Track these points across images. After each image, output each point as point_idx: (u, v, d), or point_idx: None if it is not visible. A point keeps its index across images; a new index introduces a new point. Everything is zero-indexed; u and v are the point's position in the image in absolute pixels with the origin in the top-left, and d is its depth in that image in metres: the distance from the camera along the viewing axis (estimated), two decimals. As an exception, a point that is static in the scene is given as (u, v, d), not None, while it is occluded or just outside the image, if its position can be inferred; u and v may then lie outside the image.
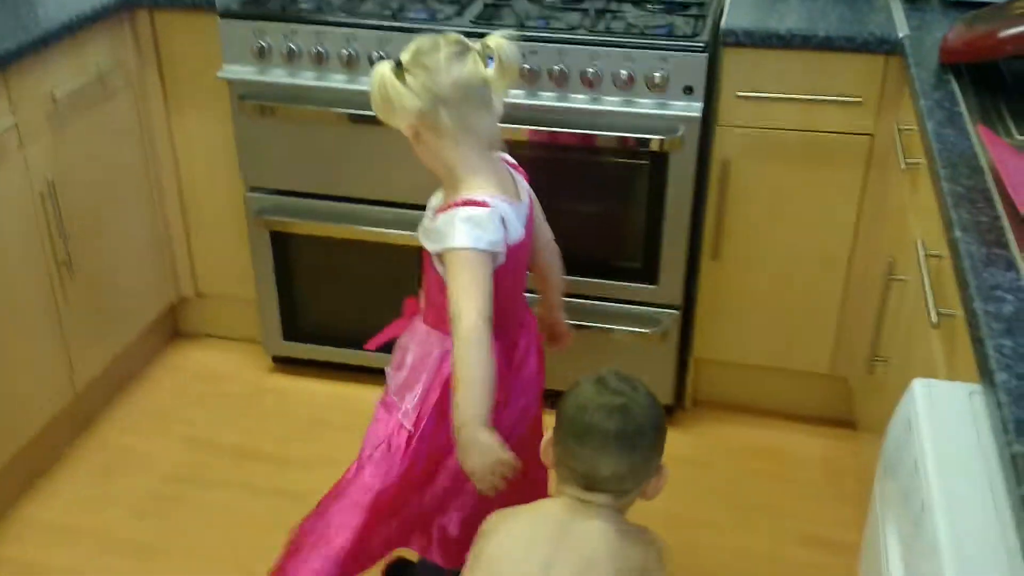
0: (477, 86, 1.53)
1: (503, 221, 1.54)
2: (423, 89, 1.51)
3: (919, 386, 1.17)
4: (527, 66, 2.14)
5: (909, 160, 1.87)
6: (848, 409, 2.42)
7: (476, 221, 1.52)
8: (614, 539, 1.37)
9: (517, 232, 1.58)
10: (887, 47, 2.05)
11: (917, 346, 1.66)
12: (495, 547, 1.41)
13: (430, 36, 1.55)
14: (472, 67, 1.52)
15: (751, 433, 2.46)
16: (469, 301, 1.50)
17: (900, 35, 2.05)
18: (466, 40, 1.56)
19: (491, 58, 1.53)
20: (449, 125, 1.54)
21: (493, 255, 1.53)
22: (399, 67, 1.53)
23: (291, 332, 2.59)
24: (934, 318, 1.42)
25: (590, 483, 1.38)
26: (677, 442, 2.40)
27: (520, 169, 1.69)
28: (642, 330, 2.34)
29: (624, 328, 2.35)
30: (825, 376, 2.41)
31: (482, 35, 1.57)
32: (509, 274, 1.60)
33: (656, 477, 1.42)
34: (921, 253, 1.58)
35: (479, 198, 1.54)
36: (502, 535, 1.42)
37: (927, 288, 1.49)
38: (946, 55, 1.92)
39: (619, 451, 1.36)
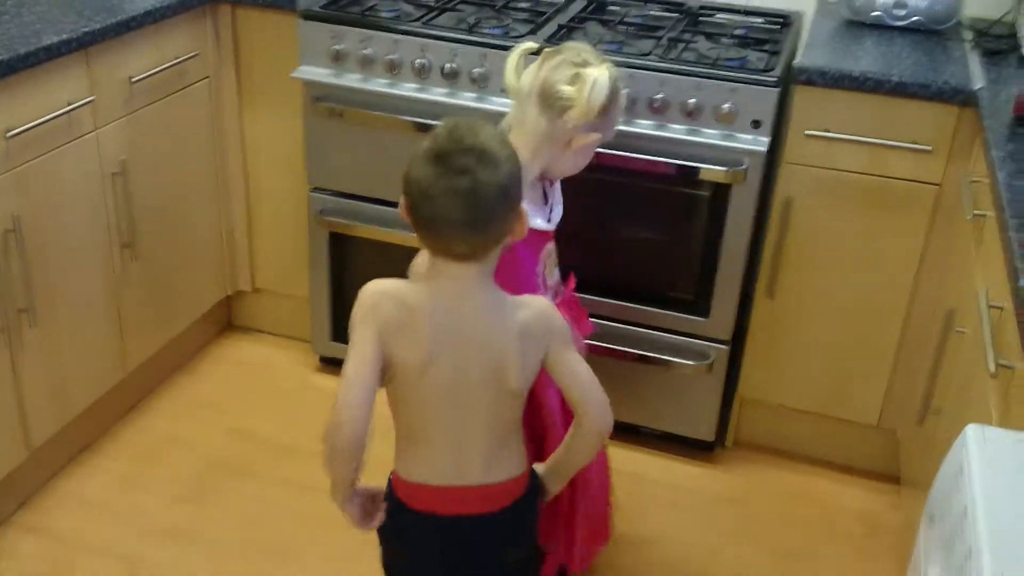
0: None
1: None
2: None
3: (972, 431, 1.14)
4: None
5: (976, 211, 1.84)
6: (894, 463, 2.37)
7: None
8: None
9: None
10: (961, 97, 2.03)
11: (971, 398, 1.62)
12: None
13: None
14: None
15: (791, 478, 2.42)
16: None
17: (976, 87, 2.02)
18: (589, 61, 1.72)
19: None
20: None
21: None
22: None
23: (340, 333, 2.61)
24: (992, 367, 1.39)
25: (449, 255, 1.37)
26: (716, 480, 2.40)
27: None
28: (689, 362, 2.32)
29: (671, 358, 2.33)
30: (872, 428, 2.37)
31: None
32: None
33: (518, 223, 1.38)
34: (983, 303, 1.55)
35: None
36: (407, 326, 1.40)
37: (987, 337, 1.47)
38: (1021, 109, 1.89)
39: (472, 232, 1.34)
